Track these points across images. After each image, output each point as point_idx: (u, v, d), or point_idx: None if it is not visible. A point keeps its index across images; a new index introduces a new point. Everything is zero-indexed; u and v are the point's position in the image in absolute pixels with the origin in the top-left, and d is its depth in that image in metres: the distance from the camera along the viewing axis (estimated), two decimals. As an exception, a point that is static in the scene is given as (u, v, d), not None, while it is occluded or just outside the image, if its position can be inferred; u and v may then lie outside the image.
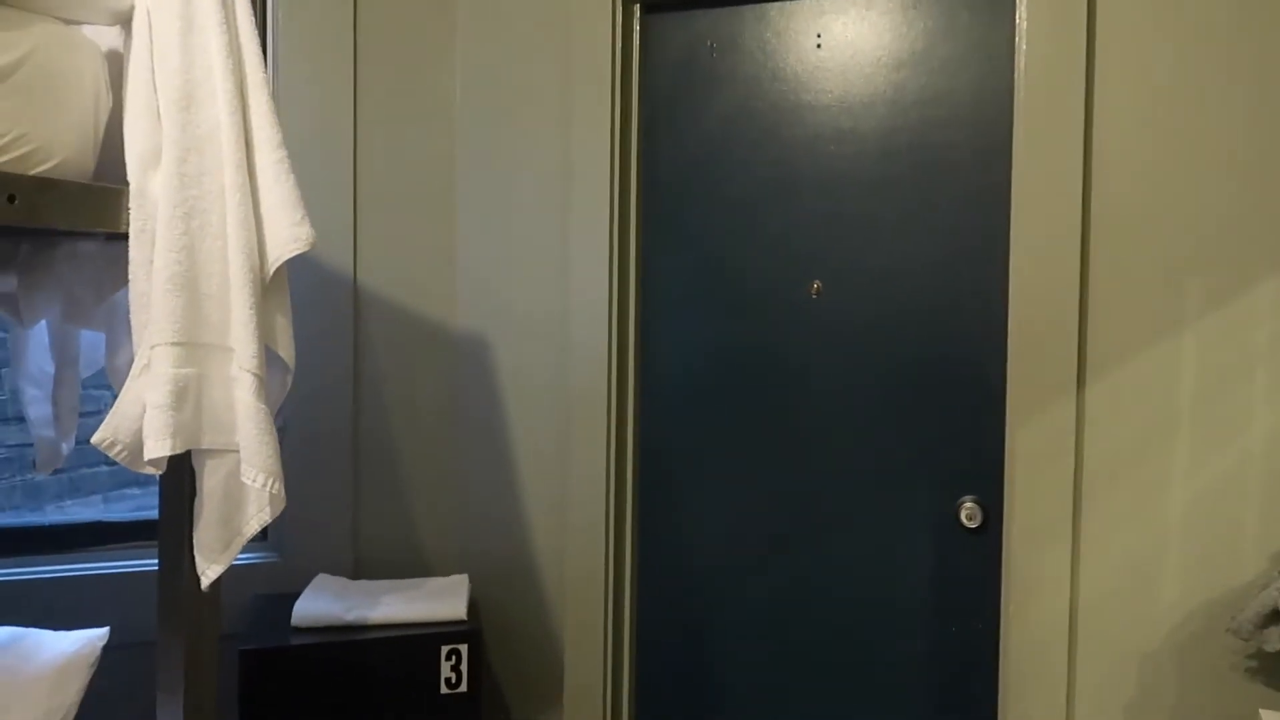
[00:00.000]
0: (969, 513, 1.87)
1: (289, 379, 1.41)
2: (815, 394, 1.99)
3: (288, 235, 1.30)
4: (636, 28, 2.08)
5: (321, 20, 2.08)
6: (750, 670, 2.06)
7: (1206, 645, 1.68)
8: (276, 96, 2.06)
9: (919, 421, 1.92)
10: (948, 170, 1.88)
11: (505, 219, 2.16)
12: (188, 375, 1.24)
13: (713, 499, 2.08)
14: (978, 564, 1.88)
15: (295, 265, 1.38)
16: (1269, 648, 1.49)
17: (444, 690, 1.82)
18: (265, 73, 1.31)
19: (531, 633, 2.16)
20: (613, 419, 2.07)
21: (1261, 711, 1.44)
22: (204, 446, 1.28)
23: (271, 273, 1.31)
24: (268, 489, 1.28)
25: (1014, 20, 1.81)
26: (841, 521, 1.98)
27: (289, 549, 2.10)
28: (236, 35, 1.29)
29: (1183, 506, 1.68)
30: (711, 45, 2.05)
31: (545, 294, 2.13)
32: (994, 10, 1.84)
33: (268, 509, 1.31)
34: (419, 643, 1.81)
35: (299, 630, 1.81)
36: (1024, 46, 1.73)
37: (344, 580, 2.03)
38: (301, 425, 2.09)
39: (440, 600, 1.91)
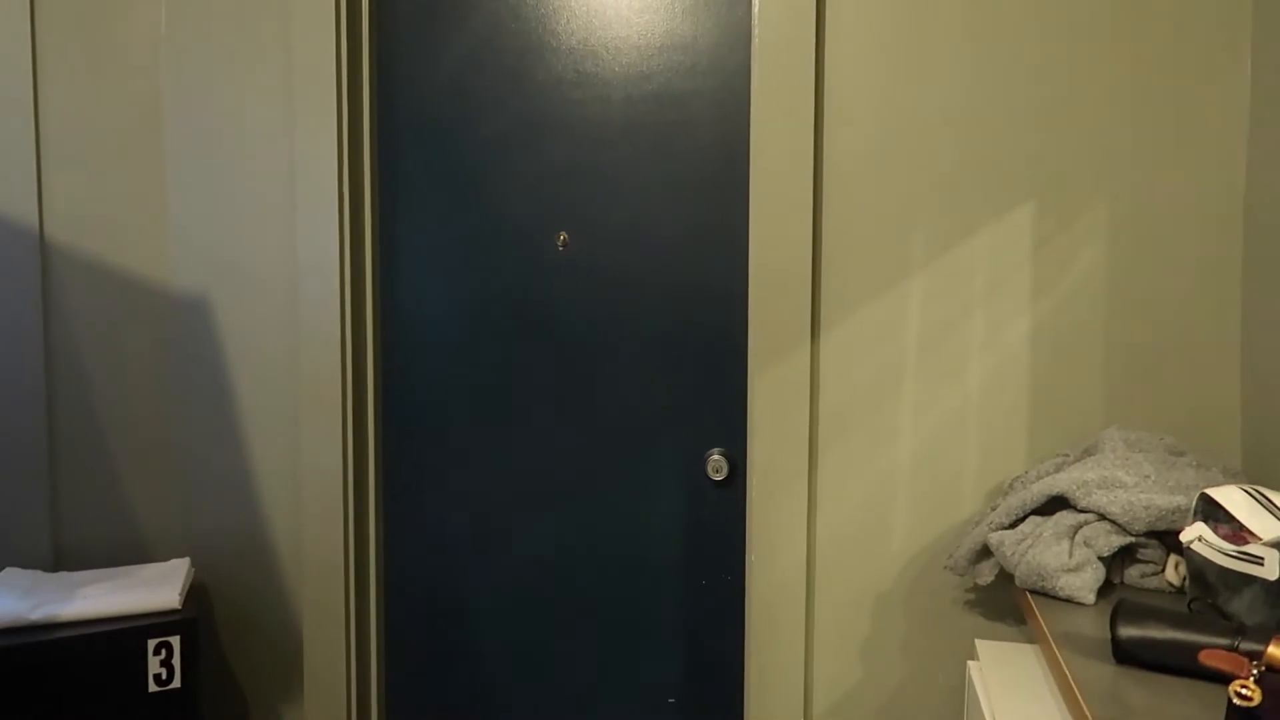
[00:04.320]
0: (715, 465, 1.86)
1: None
2: (564, 349, 1.93)
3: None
4: (364, -43, 1.91)
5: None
6: (504, 635, 1.99)
7: (931, 581, 1.75)
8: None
9: (668, 375, 1.89)
10: (692, 120, 1.84)
11: (221, 167, 1.95)
12: None
13: (461, 460, 1.98)
14: (725, 516, 1.89)
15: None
16: (981, 581, 1.55)
17: (153, 688, 1.64)
18: None
19: (268, 617, 1.99)
20: (349, 381, 1.92)
21: (976, 641, 1.50)
22: None
23: None
24: None
25: (750, -35, 1.78)
26: (594, 478, 1.94)
27: (-31, 543, 1.84)
28: None
29: (910, 450, 1.74)
30: (448, -20, 1.92)
31: (271, 250, 1.94)
32: (731, -46, 1.80)
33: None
34: (119, 638, 1.63)
35: (-29, 635, 1.59)
36: (757, -9, 1.70)
37: (37, 574, 1.80)
38: (-19, 401, 1.82)
39: (150, 589, 1.72)
